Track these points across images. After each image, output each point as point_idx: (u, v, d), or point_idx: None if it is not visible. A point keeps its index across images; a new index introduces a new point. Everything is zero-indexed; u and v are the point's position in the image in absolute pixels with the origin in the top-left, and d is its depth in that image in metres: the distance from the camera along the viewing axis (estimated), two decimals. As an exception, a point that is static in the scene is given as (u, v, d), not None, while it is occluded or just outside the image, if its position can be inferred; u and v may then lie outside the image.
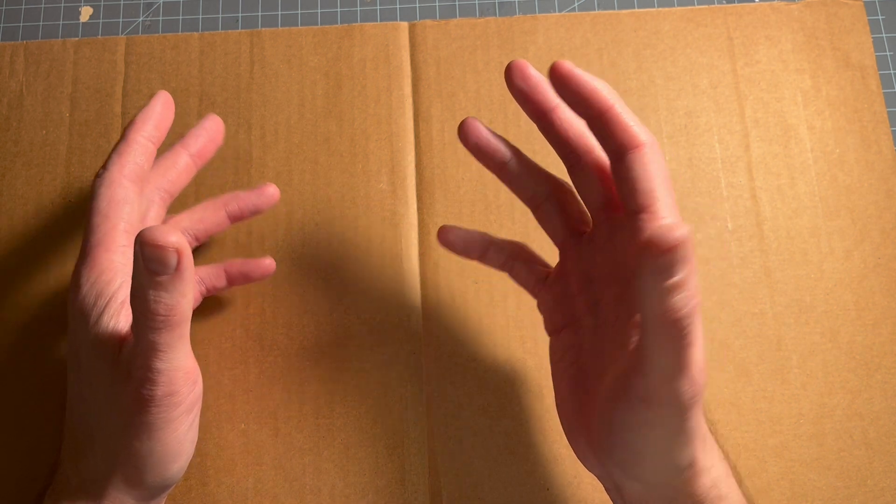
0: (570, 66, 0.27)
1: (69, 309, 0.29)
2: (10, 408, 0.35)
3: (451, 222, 0.37)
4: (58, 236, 0.37)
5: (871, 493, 0.34)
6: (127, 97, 0.39)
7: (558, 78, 0.27)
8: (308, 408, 0.35)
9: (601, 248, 0.28)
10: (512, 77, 0.28)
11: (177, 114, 0.39)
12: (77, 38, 0.41)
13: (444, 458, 0.35)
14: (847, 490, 0.34)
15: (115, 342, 0.26)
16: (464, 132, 0.30)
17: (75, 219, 0.38)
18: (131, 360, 0.25)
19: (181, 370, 0.25)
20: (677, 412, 0.23)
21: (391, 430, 0.35)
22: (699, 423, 0.25)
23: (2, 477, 0.34)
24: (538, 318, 0.36)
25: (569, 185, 0.30)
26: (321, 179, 0.38)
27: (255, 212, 0.34)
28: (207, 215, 0.34)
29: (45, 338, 0.36)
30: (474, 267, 0.37)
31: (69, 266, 0.37)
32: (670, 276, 0.21)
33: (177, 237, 0.22)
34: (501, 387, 0.35)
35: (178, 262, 0.22)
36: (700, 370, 0.23)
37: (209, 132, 0.34)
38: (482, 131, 0.30)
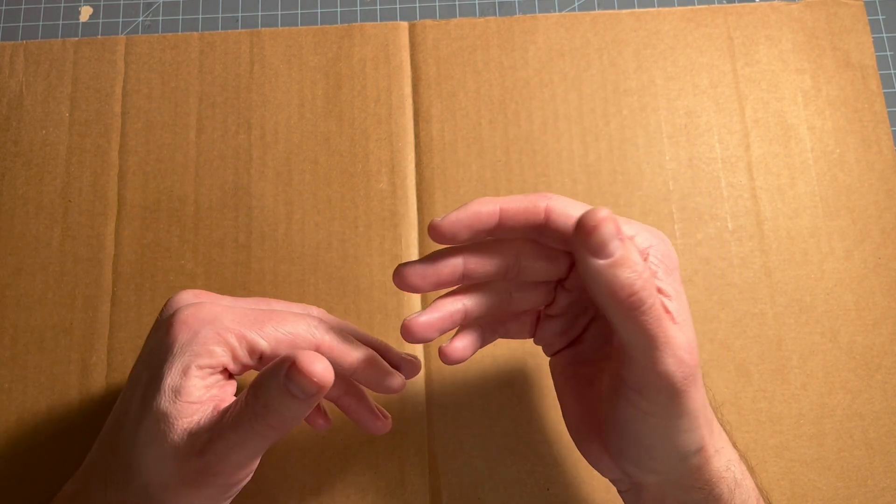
0: (438, 221, 0.26)
1: (162, 335, 0.27)
2: (10, 408, 0.35)
3: (451, 222, 0.37)
4: (58, 236, 0.37)
5: (871, 493, 0.34)
6: (127, 97, 0.39)
7: (437, 231, 0.26)
8: (308, 408, 0.35)
9: (580, 288, 0.28)
10: (404, 279, 0.26)
11: (177, 114, 0.40)
12: (77, 38, 0.41)
13: (444, 458, 0.34)
14: (847, 490, 0.34)
15: (195, 401, 0.25)
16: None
17: (75, 219, 0.38)
18: (208, 431, 0.25)
19: (248, 469, 0.25)
20: (672, 395, 0.24)
21: (391, 430, 0.35)
22: (701, 406, 0.25)
23: (2, 477, 0.34)
24: (538, 318, 0.36)
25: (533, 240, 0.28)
26: (321, 179, 0.38)
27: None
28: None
29: (45, 338, 0.36)
30: (474, 267, 0.37)
31: (69, 266, 0.37)
32: (607, 253, 0.22)
33: (325, 370, 0.23)
34: (501, 387, 0.35)
35: (315, 394, 0.23)
36: (686, 349, 0.23)
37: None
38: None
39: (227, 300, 0.29)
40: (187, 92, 0.39)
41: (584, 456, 0.29)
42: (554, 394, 0.35)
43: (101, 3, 0.42)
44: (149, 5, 0.42)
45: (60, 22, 0.42)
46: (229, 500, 0.27)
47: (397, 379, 0.28)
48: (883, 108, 0.39)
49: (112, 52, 0.40)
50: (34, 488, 0.34)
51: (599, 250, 0.22)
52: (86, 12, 0.42)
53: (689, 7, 0.41)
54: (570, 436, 0.30)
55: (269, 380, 0.24)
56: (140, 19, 0.42)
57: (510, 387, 0.35)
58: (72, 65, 0.40)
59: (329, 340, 0.27)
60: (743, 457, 0.28)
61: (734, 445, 0.28)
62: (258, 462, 0.26)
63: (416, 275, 0.26)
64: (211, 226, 0.37)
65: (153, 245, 0.37)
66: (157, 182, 0.38)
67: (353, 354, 0.28)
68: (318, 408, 0.32)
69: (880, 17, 0.42)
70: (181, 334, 0.26)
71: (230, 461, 0.24)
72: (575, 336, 0.30)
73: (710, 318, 0.36)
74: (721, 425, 0.28)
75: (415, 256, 0.37)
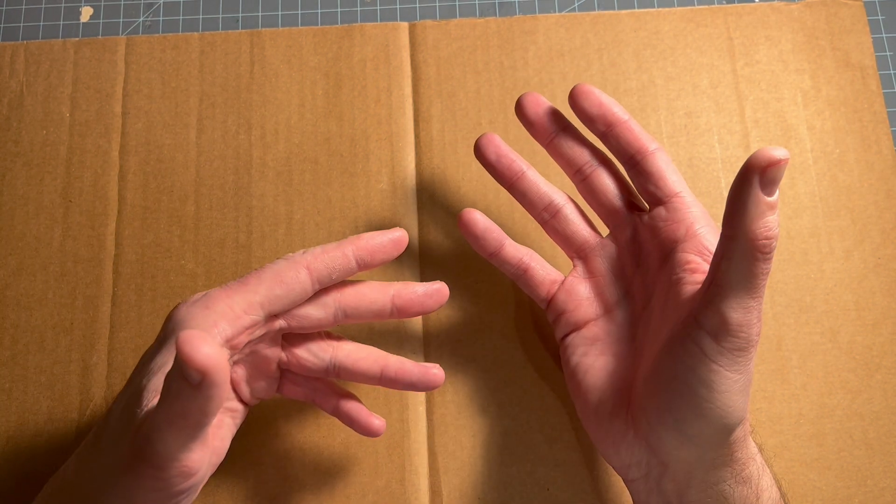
0: (587, 86, 0.31)
1: (160, 334, 0.28)
2: (10, 408, 0.35)
3: (451, 222, 0.38)
4: (58, 236, 0.37)
5: (871, 493, 0.34)
6: (127, 97, 0.39)
7: (577, 95, 0.31)
8: (308, 407, 0.35)
9: (626, 245, 0.31)
10: (525, 109, 0.32)
11: (177, 114, 0.40)
12: (77, 39, 0.41)
13: (444, 458, 0.35)
14: (847, 490, 0.34)
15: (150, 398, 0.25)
16: (483, 145, 0.33)
17: (76, 219, 0.38)
18: (143, 422, 0.24)
19: (176, 461, 0.23)
20: (745, 347, 0.24)
21: (391, 430, 0.35)
22: (752, 373, 0.25)
23: (2, 477, 0.34)
24: (538, 319, 0.36)
25: (572, 200, 0.33)
26: (321, 179, 0.38)
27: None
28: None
29: (45, 338, 0.36)
30: (475, 267, 0.37)
31: (69, 266, 0.37)
32: (770, 192, 0.23)
33: (209, 353, 0.20)
34: (501, 387, 0.35)
35: (201, 381, 0.21)
36: (761, 302, 0.24)
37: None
38: (502, 144, 0.33)
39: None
40: (187, 92, 0.39)
41: (598, 441, 0.29)
42: (554, 394, 0.35)
43: (102, 3, 0.42)
44: (149, 6, 0.42)
45: (61, 22, 0.42)
46: None
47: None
48: (883, 108, 0.39)
49: (112, 52, 0.40)
50: (34, 488, 0.34)
51: (769, 185, 0.23)
52: (86, 13, 0.42)
53: (689, 7, 0.41)
54: (586, 420, 0.30)
55: (175, 361, 0.22)
56: (140, 20, 0.42)
57: (510, 387, 0.35)
58: (72, 65, 0.40)
59: (313, 254, 0.28)
60: (761, 448, 0.29)
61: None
62: (198, 464, 0.24)
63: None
64: (211, 226, 0.38)
65: (153, 245, 0.37)
66: (158, 182, 0.38)
67: (343, 247, 0.29)
68: (363, 410, 0.31)
69: (880, 17, 0.42)
70: (169, 323, 0.27)
71: (153, 446, 0.23)
72: (606, 304, 0.31)
73: (709, 318, 0.36)
74: None
75: (415, 256, 0.37)
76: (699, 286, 0.27)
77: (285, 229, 0.37)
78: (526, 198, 0.33)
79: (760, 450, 0.28)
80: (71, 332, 0.36)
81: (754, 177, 0.22)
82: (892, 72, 0.41)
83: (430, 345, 0.36)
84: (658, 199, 0.30)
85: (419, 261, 0.37)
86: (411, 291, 0.30)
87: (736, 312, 0.24)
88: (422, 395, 0.35)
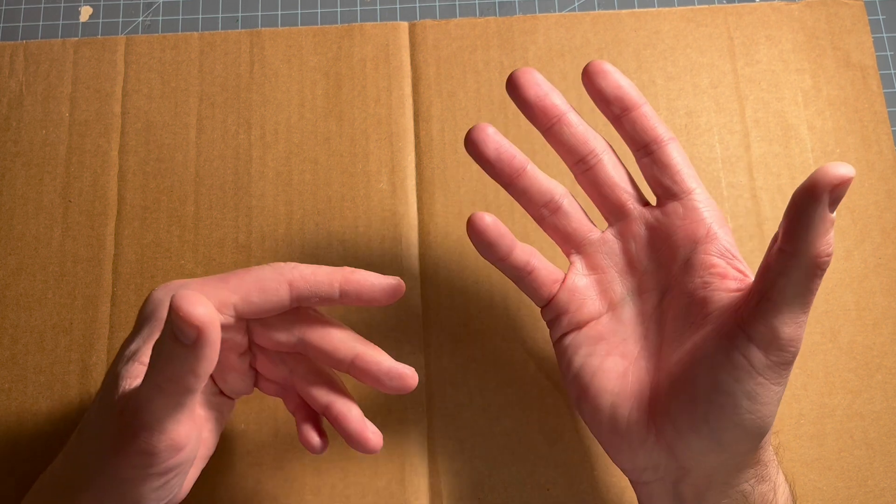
0: (606, 64, 0.29)
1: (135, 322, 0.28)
2: (10, 408, 0.35)
3: (451, 222, 0.37)
4: (58, 236, 0.37)
5: (871, 493, 0.34)
6: (127, 97, 0.39)
7: (594, 73, 0.29)
8: (308, 408, 0.35)
9: (633, 240, 0.30)
10: (519, 87, 0.29)
11: (177, 114, 0.40)
12: (77, 38, 0.41)
13: (444, 458, 0.34)
14: (847, 490, 0.34)
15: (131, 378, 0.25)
16: (479, 140, 0.29)
17: (75, 219, 0.38)
18: (128, 399, 0.24)
19: (164, 432, 0.23)
20: (791, 360, 0.24)
21: (391, 430, 0.35)
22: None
23: (2, 477, 0.34)
24: (538, 319, 0.36)
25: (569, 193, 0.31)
26: (321, 179, 0.38)
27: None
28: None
29: (45, 338, 0.36)
30: (474, 267, 0.37)
31: (69, 266, 0.37)
32: (834, 209, 0.22)
33: (204, 311, 0.21)
34: (501, 387, 0.35)
35: (197, 340, 0.21)
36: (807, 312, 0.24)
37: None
38: (500, 137, 0.30)
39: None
40: (187, 92, 0.39)
41: (610, 446, 0.28)
42: (554, 394, 0.35)
43: (101, 3, 0.42)
44: (149, 5, 0.42)
45: (60, 22, 0.42)
46: (162, 494, 0.25)
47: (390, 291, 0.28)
48: (883, 108, 0.39)
49: (112, 52, 0.40)
50: (34, 488, 0.34)
51: (835, 203, 0.22)
52: (86, 12, 0.42)
53: (690, 7, 0.41)
54: (595, 425, 0.28)
55: (165, 326, 0.22)
56: (140, 19, 0.42)
57: (510, 387, 0.35)
58: (72, 65, 0.40)
59: (301, 272, 0.27)
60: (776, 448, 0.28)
61: None
62: (186, 438, 0.24)
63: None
64: (211, 226, 0.37)
65: (153, 245, 0.37)
66: (157, 182, 0.38)
67: (333, 275, 0.27)
68: (314, 422, 0.30)
69: (880, 17, 0.42)
70: (147, 307, 0.27)
71: (141, 417, 0.23)
72: (610, 301, 0.29)
73: (710, 318, 0.36)
74: None
75: (415, 257, 0.37)
76: (732, 294, 0.26)
77: (285, 229, 0.37)
78: (525, 195, 0.30)
79: (775, 449, 0.28)
80: (70, 333, 0.36)
81: (823, 194, 0.22)
82: (892, 71, 0.41)
83: (430, 345, 0.36)
84: (673, 193, 0.28)
85: (419, 261, 0.37)
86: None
87: (789, 327, 0.23)
88: (422, 396, 0.35)
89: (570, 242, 0.30)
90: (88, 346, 0.36)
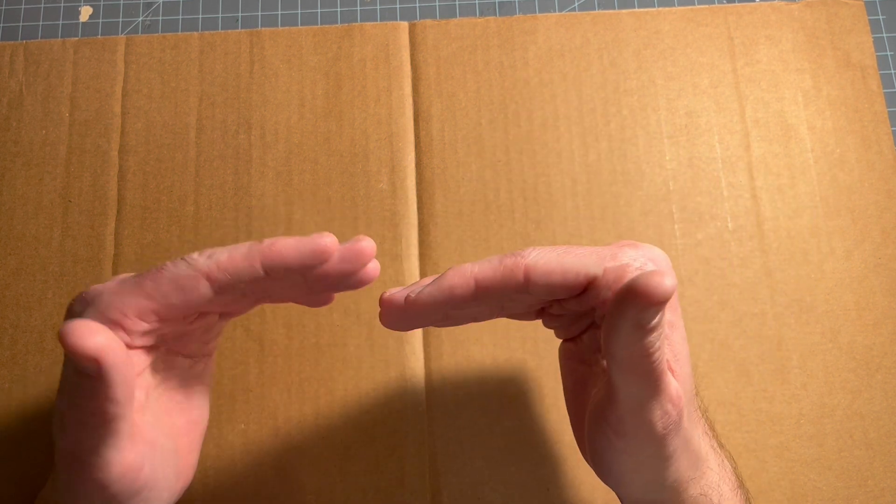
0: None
1: None
2: (10, 408, 0.35)
3: (451, 222, 0.37)
4: (58, 236, 0.37)
5: (871, 493, 0.34)
6: (127, 97, 0.39)
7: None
8: (308, 408, 0.35)
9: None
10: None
11: (177, 114, 0.40)
12: (77, 38, 0.41)
13: (444, 458, 0.34)
14: (847, 490, 0.34)
15: None
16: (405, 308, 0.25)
17: (75, 218, 0.38)
18: (64, 440, 0.22)
19: (111, 465, 0.22)
20: (652, 441, 0.24)
21: (391, 430, 0.35)
22: (683, 443, 0.25)
23: (2, 477, 0.34)
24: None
25: None
26: (321, 179, 0.38)
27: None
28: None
29: (45, 338, 0.36)
30: (474, 267, 0.37)
31: (69, 266, 0.37)
32: (650, 321, 0.20)
33: (97, 341, 0.18)
34: (501, 387, 0.35)
35: (99, 368, 0.19)
36: (673, 399, 0.23)
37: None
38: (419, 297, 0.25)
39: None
40: (187, 92, 0.39)
41: (579, 447, 0.29)
42: (554, 394, 0.35)
43: (101, 3, 0.42)
44: (149, 5, 0.42)
45: (60, 22, 0.42)
46: (153, 496, 0.24)
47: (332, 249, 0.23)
48: (883, 108, 0.39)
49: (112, 52, 0.40)
50: (34, 490, 0.34)
51: (650, 319, 0.21)
52: (86, 12, 0.42)
53: (690, 7, 0.41)
54: (571, 425, 0.29)
55: (66, 360, 0.20)
56: (140, 19, 0.42)
57: (510, 387, 0.35)
58: (72, 65, 0.40)
59: (217, 262, 0.23)
60: (735, 471, 0.28)
61: (725, 460, 0.28)
62: (138, 460, 0.22)
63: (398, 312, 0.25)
64: (211, 226, 0.37)
65: (153, 245, 0.37)
66: (157, 182, 0.38)
67: (251, 253, 0.23)
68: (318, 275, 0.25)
69: (880, 17, 0.42)
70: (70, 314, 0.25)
71: (81, 461, 0.22)
72: (574, 334, 0.29)
73: (710, 318, 0.36)
74: (713, 437, 0.28)
75: (415, 256, 0.37)
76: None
77: (285, 229, 0.37)
78: (464, 315, 0.27)
79: (734, 471, 0.28)
80: (70, 333, 0.36)
81: (628, 311, 0.20)
82: (892, 72, 0.41)
83: (430, 345, 0.36)
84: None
85: (419, 261, 0.37)
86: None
87: (632, 416, 0.23)
88: (422, 396, 0.35)
89: (528, 316, 0.29)
90: (88, 346, 0.36)
